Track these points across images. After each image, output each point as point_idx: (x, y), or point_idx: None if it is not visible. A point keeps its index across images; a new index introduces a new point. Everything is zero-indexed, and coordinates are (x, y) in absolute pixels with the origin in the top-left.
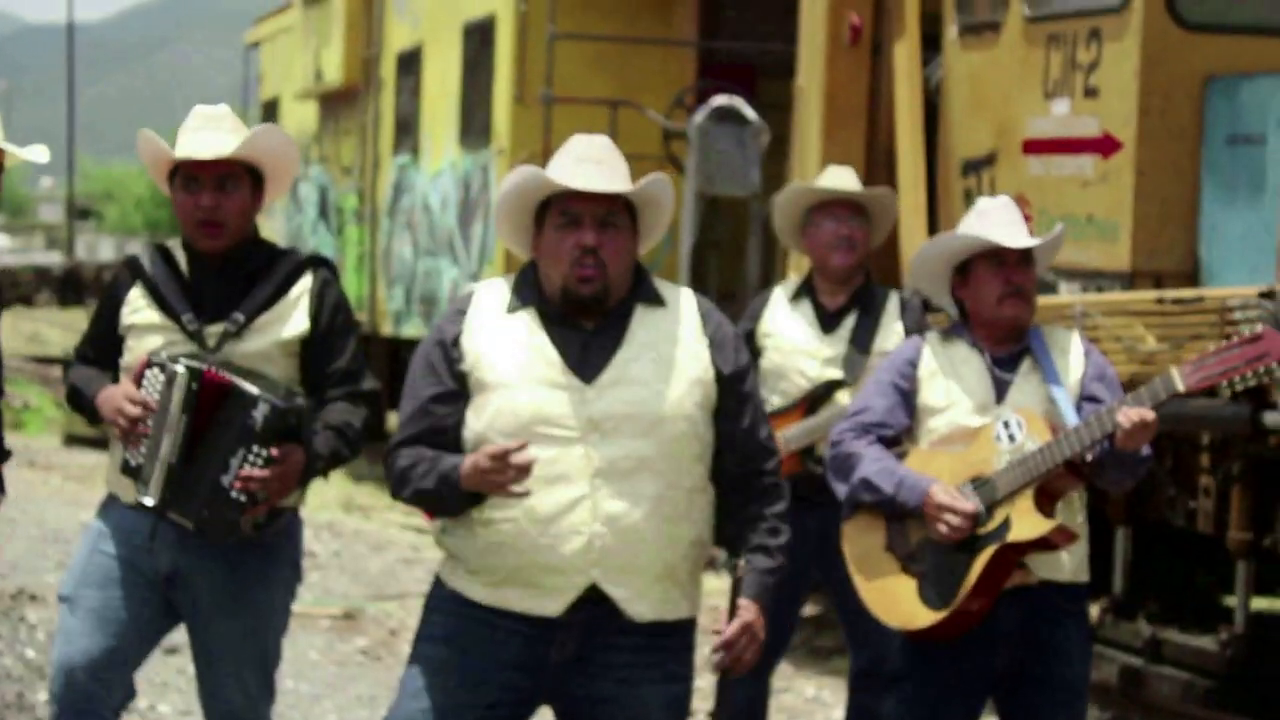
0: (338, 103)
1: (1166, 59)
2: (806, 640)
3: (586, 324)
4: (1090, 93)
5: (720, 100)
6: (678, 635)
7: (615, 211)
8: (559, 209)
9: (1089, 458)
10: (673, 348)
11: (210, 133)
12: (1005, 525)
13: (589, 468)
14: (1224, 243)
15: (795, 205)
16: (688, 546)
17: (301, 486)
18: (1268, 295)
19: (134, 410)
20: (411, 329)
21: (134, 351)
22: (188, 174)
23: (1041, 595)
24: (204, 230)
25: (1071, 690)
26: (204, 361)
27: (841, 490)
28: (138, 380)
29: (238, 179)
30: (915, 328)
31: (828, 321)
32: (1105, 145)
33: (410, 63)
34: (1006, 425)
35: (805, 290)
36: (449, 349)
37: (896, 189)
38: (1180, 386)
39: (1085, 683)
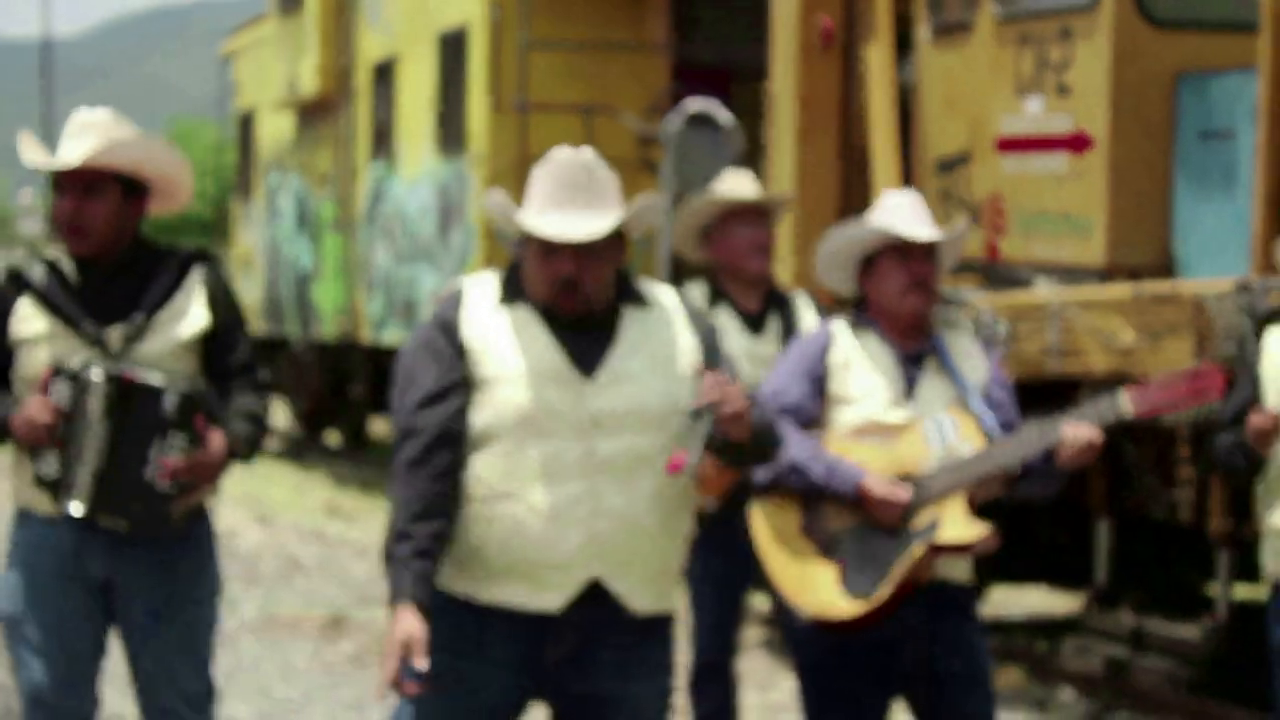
0: (314, 113)
1: (1137, 56)
2: (770, 640)
3: (577, 323)
4: (1062, 91)
5: (694, 104)
6: (665, 626)
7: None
8: (538, 238)
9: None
10: (664, 345)
11: (77, 140)
12: (933, 525)
13: (590, 463)
14: (1198, 236)
15: (706, 215)
16: (682, 539)
17: (224, 473)
18: (1242, 288)
19: (48, 419)
20: (391, 336)
21: (28, 364)
22: (56, 179)
23: (941, 592)
24: (67, 235)
25: (982, 681)
26: (117, 368)
27: (763, 473)
28: (44, 391)
29: (102, 186)
30: (824, 318)
31: (752, 323)
32: (1078, 142)
33: (385, 72)
34: (939, 426)
35: (718, 296)
36: (453, 337)
37: (872, 190)
38: (1130, 413)
39: (990, 676)
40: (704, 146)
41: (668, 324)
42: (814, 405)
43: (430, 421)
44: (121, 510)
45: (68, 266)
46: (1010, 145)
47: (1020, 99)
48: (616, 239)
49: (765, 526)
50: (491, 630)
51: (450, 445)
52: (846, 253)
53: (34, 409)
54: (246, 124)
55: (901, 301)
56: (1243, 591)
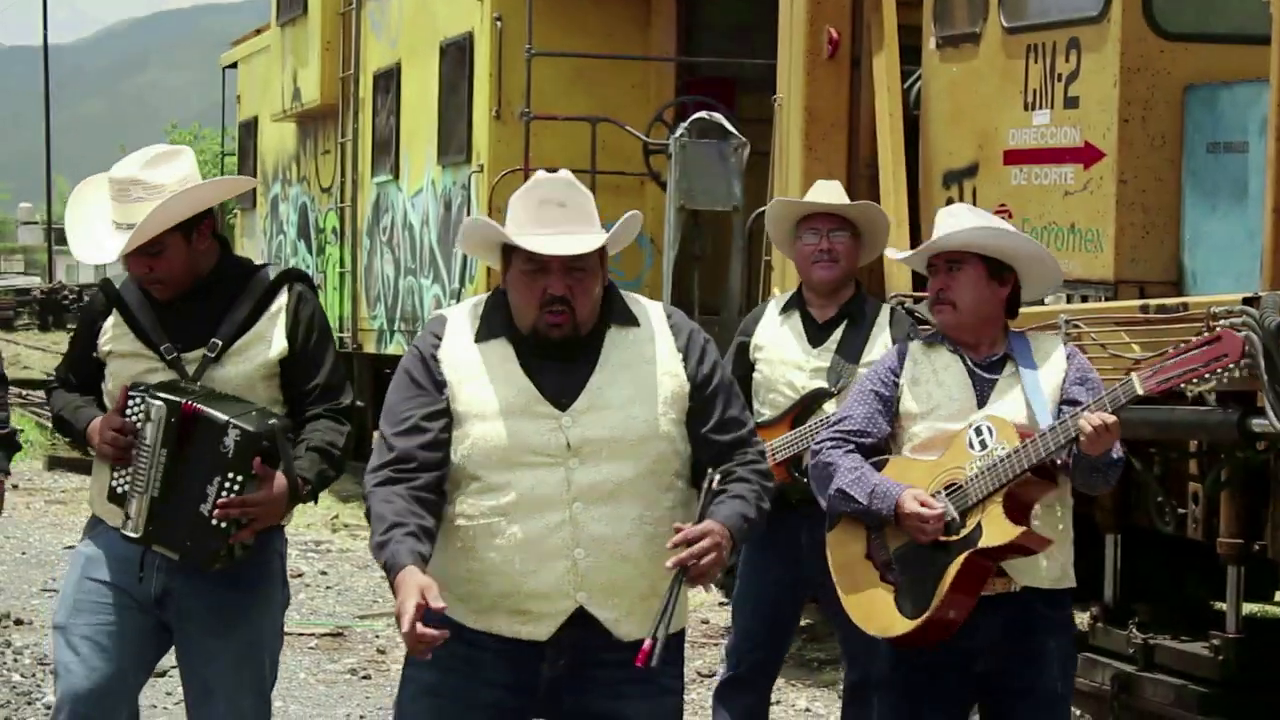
0: (316, 122)
1: (1146, 68)
2: (798, 652)
3: (558, 349)
4: (1070, 102)
5: (700, 115)
6: (668, 650)
7: (581, 256)
8: (524, 256)
9: (1058, 462)
10: (647, 367)
11: (125, 206)
12: (977, 532)
13: (569, 493)
14: (1207, 250)
15: (781, 219)
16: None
17: (288, 511)
18: (1251, 302)
19: (122, 440)
20: (394, 347)
21: (115, 378)
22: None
23: (1023, 602)
24: (156, 288)
25: (1053, 700)
26: (183, 394)
27: (822, 501)
28: (121, 408)
29: (161, 242)
30: (903, 338)
31: (816, 333)
32: (1086, 155)
33: (388, 82)
34: (979, 431)
35: (795, 303)
36: (431, 366)
37: (879, 201)
38: (1140, 390)
39: (1068, 691)
40: (710, 158)
41: (652, 346)
42: (880, 425)
43: (408, 447)
44: (173, 541)
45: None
46: (1017, 157)
47: (1028, 111)
48: (599, 260)
49: (835, 559)
50: (487, 652)
51: (427, 470)
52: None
53: (105, 426)
54: (248, 134)
55: (934, 317)
56: (1252, 608)
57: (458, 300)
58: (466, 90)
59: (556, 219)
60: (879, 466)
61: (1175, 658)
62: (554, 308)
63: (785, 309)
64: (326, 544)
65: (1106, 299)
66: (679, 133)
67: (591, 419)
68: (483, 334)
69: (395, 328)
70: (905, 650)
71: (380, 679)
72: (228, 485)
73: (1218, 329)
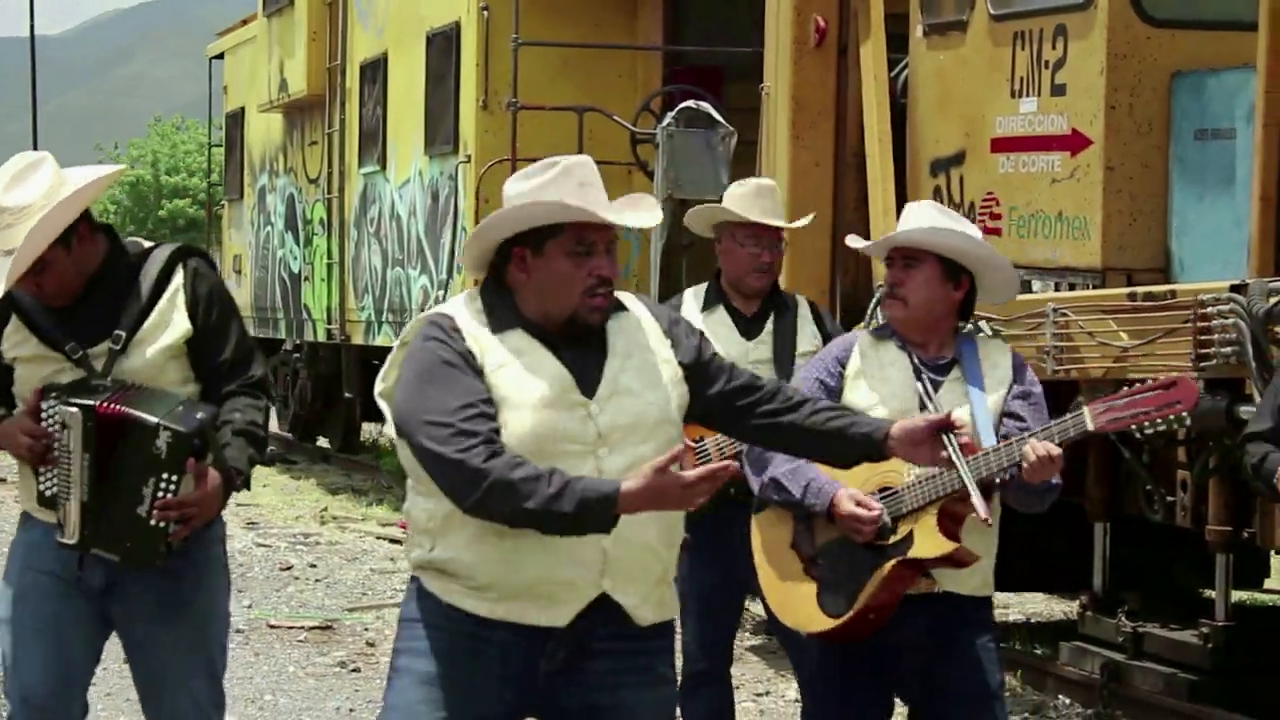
0: (303, 113)
1: (1133, 55)
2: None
3: (566, 339)
4: (1057, 90)
5: (687, 104)
6: (664, 637)
7: (616, 238)
8: (574, 238)
9: (996, 480)
10: (646, 354)
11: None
12: (908, 540)
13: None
14: (1195, 237)
15: (715, 219)
16: (677, 549)
17: (224, 505)
18: (1239, 289)
19: (37, 445)
20: (382, 338)
21: (24, 382)
22: None
23: (945, 603)
24: (43, 300)
25: (984, 697)
26: (96, 393)
27: (754, 485)
28: (34, 411)
29: (43, 260)
30: (830, 328)
31: (747, 326)
32: (1073, 142)
33: (374, 72)
34: None
35: (717, 297)
36: (468, 358)
37: (866, 189)
38: (1090, 427)
39: (999, 688)
40: (697, 147)
41: (643, 332)
42: None
43: (487, 430)
44: (112, 544)
45: None
46: (1005, 145)
47: (1015, 98)
48: None
49: (759, 540)
50: (490, 643)
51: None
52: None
53: (18, 430)
54: (235, 124)
55: (883, 309)
56: (1241, 595)
57: (445, 291)
58: (453, 80)
59: (603, 199)
60: None
61: (1165, 646)
62: (601, 289)
63: (707, 303)
64: (315, 536)
65: (1094, 287)
66: (666, 122)
67: (614, 406)
68: (493, 324)
69: (383, 319)
70: (832, 647)
71: (370, 672)
72: (163, 485)
73: (1176, 376)
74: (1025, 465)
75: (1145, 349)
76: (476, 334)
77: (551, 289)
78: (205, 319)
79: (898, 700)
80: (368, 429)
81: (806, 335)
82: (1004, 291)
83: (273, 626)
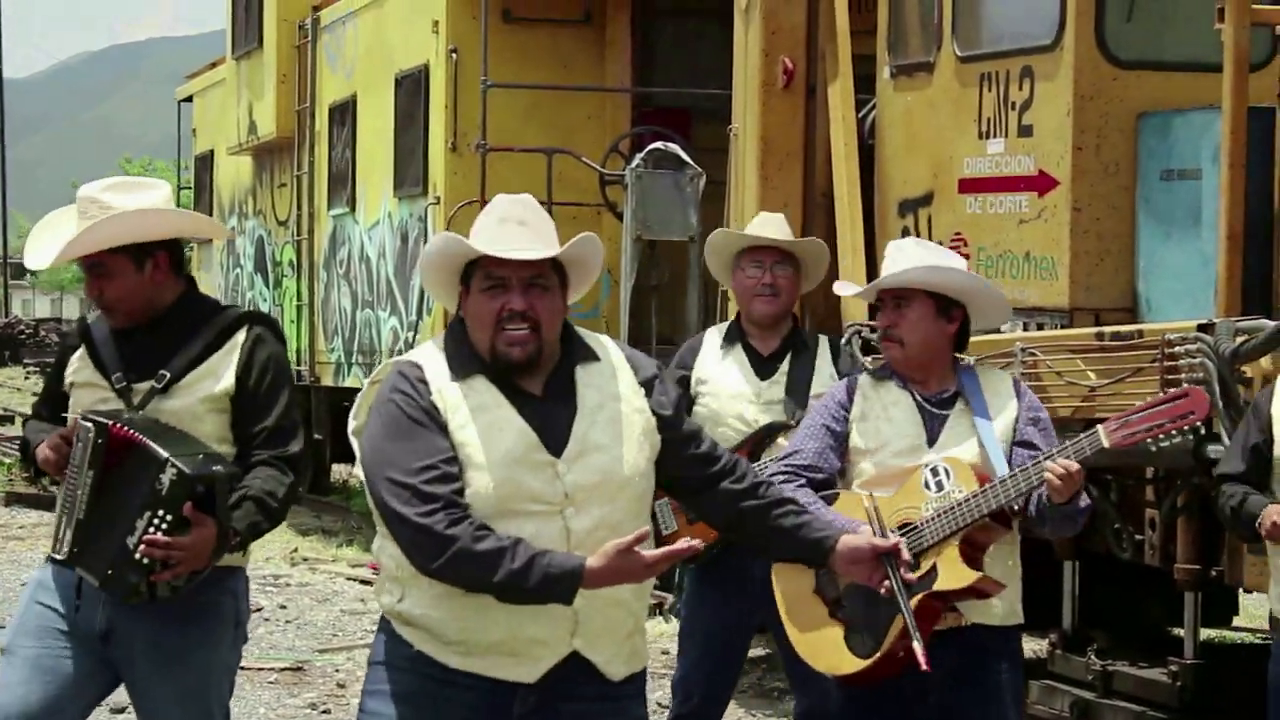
0: (272, 155)
1: (1099, 96)
2: (758, 681)
3: (534, 389)
4: (1024, 131)
5: (656, 146)
6: (634, 681)
7: (542, 274)
8: (484, 273)
9: (1015, 507)
10: (618, 404)
11: (50, 231)
12: (932, 573)
13: (567, 541)
14: (1162, 277)
15: (722, 250)
16: (648, 597)
17: (214, 559)
18: (1206, 328)
19: (53, 456)
20: (352, 380)
21: (75, 409)
22: (86, 264)
23: (973, 637)
24: (111, 315)
25: None
26: (118, 418)
27: None
28: (69, 437)
29: (107, 265)
30: (848, 370)
31: (763, 366)
32: (1041, 183)
33: (343, 114)
34: (935, 473)
35: (735, 336)
36: (433, 414)
37: (835, 230)
38: (1106, 443)
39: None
40: (666, 188)
41: (616, 382)
42: (831, 460)
43: (447, 492)
44: (95, 566)
45: None
46: (972, 186)
47: (982, 140)
48: (560, 285)
49: (781, 589)
50: (458, 689)
51: (470, 514)
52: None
53: (49, 441)
54: (204, 166)
55: (883, 351)
56: (1210, 633)
57: (415, 332)
58: (422, 122)
59: (517, 236)
60: (829, 501)
61: (1134, 684)
62: (514, 324)
63: (725, 341)
64: (285, 578)
65: (1062, 326)
66: (635, 163)
67: (582, 465)
68: (457, 373)
69: (353, 360)
70: (855, 686)
71: (340, 713)
72: (155, 522)
73: (1187, 387)
74: (1049, 487)
75: (1113, 388)
76: (442, 385)
77: (474, 325)
78: (257, 384)
79: None
80: (338, 470)
81: (824, 377)
82: (999, 316)
83: (243, 669)
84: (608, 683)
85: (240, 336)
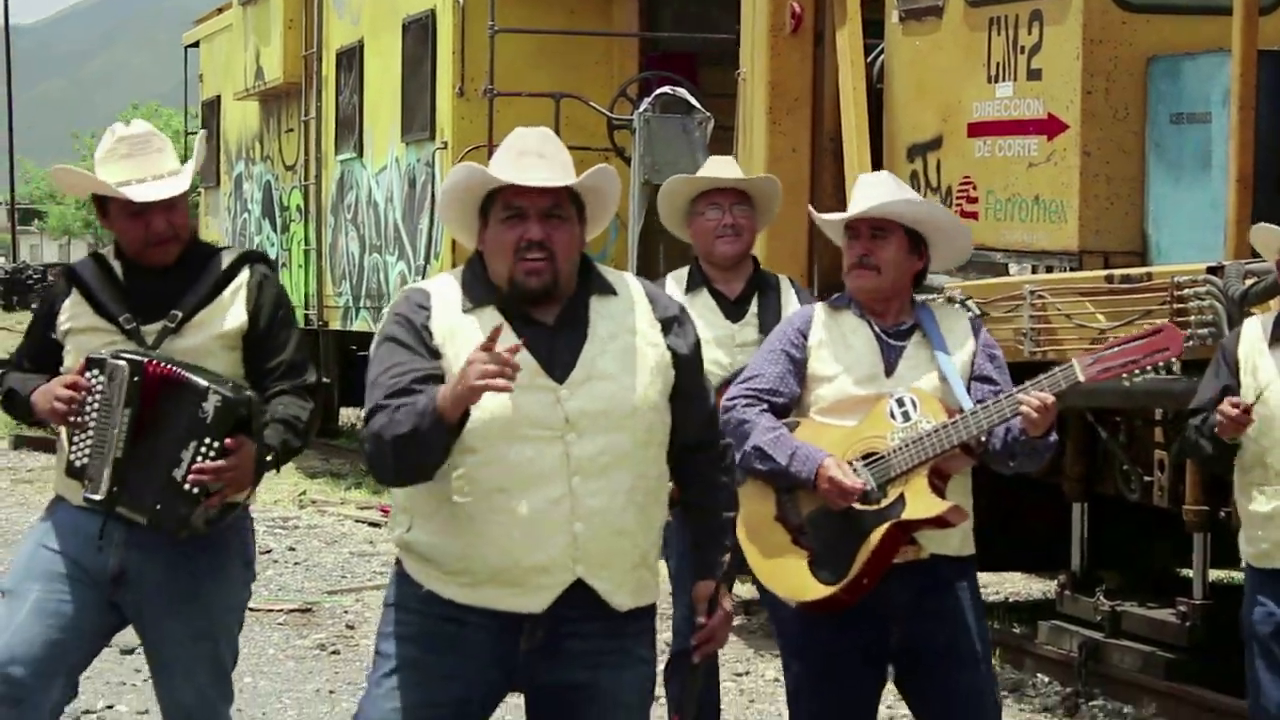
0: (279, 101)
1: (1108, 40)
2: (765, 622)
3: (546, 319)
4: (1033, 75)
5: (664, 90)
6: (643, 619)
7: (560, 205)
8: (503, 203)
9: (981, 439)
10: (632, 338)
11: (145, 158)
12: (899, 503)
13: (567, 466)
14: (1171, 220)
15: (680, 196)
16: (657, 532)
17: (255, 479)
18: (1215, 271)
19: (68, 394)
20: (360, 324)
21: (72, 356)
22: (126, 204)
23: (932, 568)
24: (161, 249)
25: (971, 656)
26: (145, 356)
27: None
28: (79, 384)
29: (182, 199)
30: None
31: (732, 309)
32: (1050, 127)
33: (350, 59)
34: (900, 403)
35: (699, 280)
36: (424, 335)
37: (843, 175)
38: (1080, 377)
39: (985, 648)
40: (673, 132)
41: (633, 316)
42: (790, 386)
43: (395, 403)
44: (140, 504)
45: (117, 266)
46: (981, 130)
47: (991, 84)
48: (579, 216)
49: (742, 514)
50: (467, 627)
51: None
52: (832, 230)
53: (55, 385)
54: (211, 112)
55: (848, 279)
56: (1218, 574)
57: (423, 276)
58: (429, 67)
59: (535, 166)
60: (790, 428)
61: (1143, 624)
62: (531, 254)
63: (690, 288)
64: (294, 520)
65: (1071, 269)
66: (643, 108)
67: (587, 391)
68: (468, 304)
69: (361, 304)
70: (815, 615)
71: (349, 654)
72: (203, 451)
73: (1161, 323)
74: (1025, 419)
75: (1122, 331)
76: (446, 311)
77: (493, 255)
78: (269, 321)
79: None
80: (345, 414)
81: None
82: (958, 258)
83: (252, 610)
84: (614, 618)
85: (245, 275)
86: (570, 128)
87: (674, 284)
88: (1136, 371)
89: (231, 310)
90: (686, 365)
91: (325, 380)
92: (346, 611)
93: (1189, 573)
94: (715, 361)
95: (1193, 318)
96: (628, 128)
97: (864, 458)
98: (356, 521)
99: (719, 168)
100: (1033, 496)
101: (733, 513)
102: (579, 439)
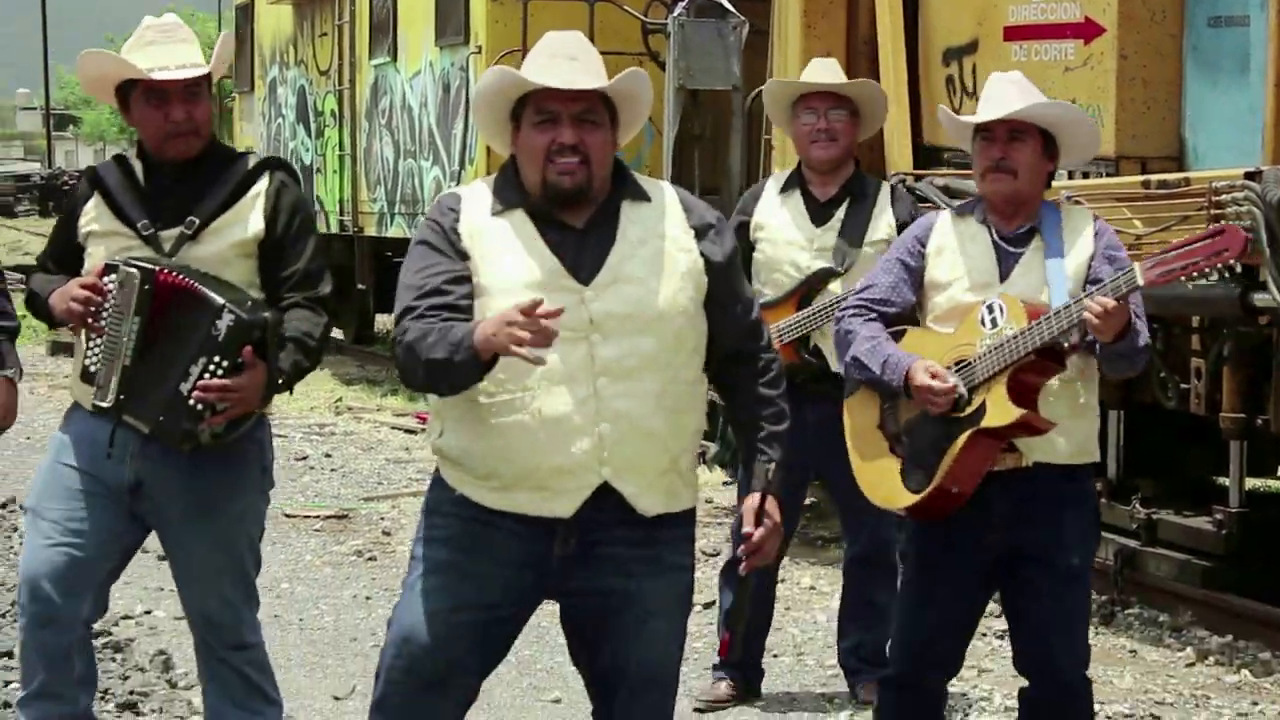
0: (313, 5)
1: None
2: (801, 529)
3: (576, 222)
4: None
5: None
6: (679, 526)
7: (592, 109)
8: (535, 107)
9: (1066, 345)
10: (663, 243)
11: (166, 46)
12: (981, 410)
13: (592, 368)
14: (1209, 125)
15: (779, 99)
16: (690, 438)
17: (264, 402)
18: (1253, 176)
19: (84, 295)
20: (395, 230)
21: (93, 258)
22: (152, 88)
23: (1034, 477)
24: (181, 141)
25: (1069, 573)
26: (158, 264)
27: (839, 367)
28: (95, 286)
29: (201, 87)
30: (907, 216)
31: (818, 212)
32: (1087, 30)
33: None
34: (990, 309)
35: (795, 182)
36: (452, 238)
37: (878, 78)
38: (1140, 280)
39: (1086, 565)
40: (708, 37)
41: (664, 222)
42: (905, 294)
43: (434, 304)
44: (144, 413)
45: (138, 167)
46: (1018, 33)
47: None
48: (609, 121)
49: (849, 423)
50: (500, 531)
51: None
52: (961, 133)
53: (71, 287)
54: (245, 17)
55: (983, 185)
56: (1254, 482)
57: (458, 182)
58: None
59: (568, 69)
60: (897, 337)
61: (1178, 532)
62: (564, 157)
63: (785, 188)
64: (330, 426)
65: (1108, 175)
66: (677, 12)
67: (613, 294)
68: (498, 207)
69: (395, 210)
70: (921, 521)
71: (385, 560)
72: (212, 368)
73: (1223, 224)
74: (1089, 324)
75: (1159, 236)
76: (476, 215)
77: (525, 160)
78: (285, 229)
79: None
80: (381, 320)
81: (882, 225)
82: (1084, 158)
83: (289, 516)
84: (646, 524)
85: (264, 182)
86: (604, 32)
87: (773, 184)
88: (1196, 274)
89: (250, 217)
90: (720, 272)
91: (360, 286)
92: (383, 518)
93: (1225, 481)
94: (793, 263)
95: (1230, 223)
96: (662, 32)
97: (955, 364)
98: (392, 428)
99: (818, 71)
100: None
101: (779, 426)
102: (604, 340)
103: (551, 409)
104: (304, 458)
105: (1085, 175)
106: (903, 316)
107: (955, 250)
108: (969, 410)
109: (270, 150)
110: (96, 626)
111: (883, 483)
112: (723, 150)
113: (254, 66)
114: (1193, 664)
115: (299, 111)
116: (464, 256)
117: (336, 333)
